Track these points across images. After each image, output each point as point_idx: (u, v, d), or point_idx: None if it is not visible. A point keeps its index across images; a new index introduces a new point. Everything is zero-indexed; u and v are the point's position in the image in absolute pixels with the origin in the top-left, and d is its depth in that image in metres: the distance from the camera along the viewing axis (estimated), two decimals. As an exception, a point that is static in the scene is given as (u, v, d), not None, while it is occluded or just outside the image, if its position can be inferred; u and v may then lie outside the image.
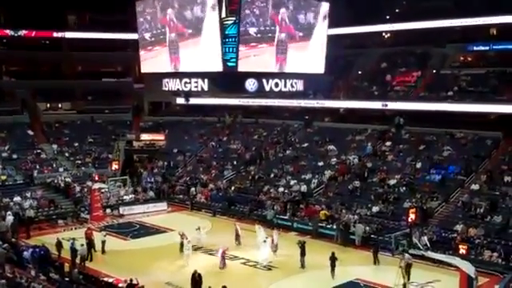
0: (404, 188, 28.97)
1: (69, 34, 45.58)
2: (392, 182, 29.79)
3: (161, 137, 43.06)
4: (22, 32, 43.92)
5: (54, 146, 40.09)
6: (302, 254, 22.21)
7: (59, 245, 23.61)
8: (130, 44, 44.39)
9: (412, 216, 25.16)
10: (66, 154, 39.83)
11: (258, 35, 19.39)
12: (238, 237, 25.53)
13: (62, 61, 47.52)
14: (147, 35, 21.81)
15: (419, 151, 32.19)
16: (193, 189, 35.06)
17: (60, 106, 46.80)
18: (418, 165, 30.72)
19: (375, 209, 27.77)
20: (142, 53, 22.58)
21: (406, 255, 20.85)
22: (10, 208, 29.97)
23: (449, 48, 37.56)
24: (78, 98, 46.73)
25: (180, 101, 41.16)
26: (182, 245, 23.57)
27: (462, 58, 37.91)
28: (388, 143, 34.15)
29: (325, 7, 21.35)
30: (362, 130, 36.63)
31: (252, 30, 19.22)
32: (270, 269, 22.23)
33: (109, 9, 42.14)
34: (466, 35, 36.88)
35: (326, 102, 38.09)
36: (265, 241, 23.00)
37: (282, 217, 29.15)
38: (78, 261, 22.45)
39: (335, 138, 36.69)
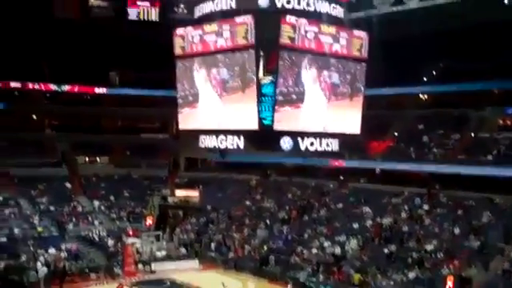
0: (441, 254, 28.05)
1: (110, 90, 46.84)
2: (429, 247, 28.89)
3: (195, 193, 43.13)
4: (66, 87, 45.37)
5: (96, 203, 40.42)
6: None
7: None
8: (169, 100, 45.26)
9: (450, 284, 24.25)
10: (102, 208, 40.15)
11: (293, 96, 19.47)
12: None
13: (103, 116, 48.69)
14: (185, 93, 22.10)
15: (457, 216, 31.33)
16: (225, 247, 34.70)
17: (98, 159, 47.59)
18: (456, 230, 29.81)
19: (411, 275, 26.86)
20: (180, 110, 22.84)
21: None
22: (44, 259, 30.10)
23: (487, 111, 37.08)
24: (116, 153, 47.49)
25: (215, 158, 41.36)
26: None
27: (501, 121, 37.35)
28: (425, 207, 33.39)
29: (362, 68, 21.38)
30: (398, 192, 36.01)
31: (288, 90, 19.30)
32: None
33: (150, 66, 43.27)
34: (505, 98, 36.43)
35: (361, 160, 37.76)
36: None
37: (314, 279, 28.45)
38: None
39: (371, 200, 36.11)
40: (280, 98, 19.03)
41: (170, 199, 42.46)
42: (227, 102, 20.16)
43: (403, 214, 33.14)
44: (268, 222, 37.31)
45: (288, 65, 19.10)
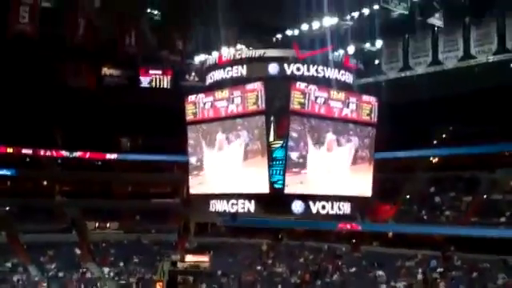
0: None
1: (121, 156, 47.33)
2: (445, 312, 28.40)
3: (205, 258, 42.68)
4: (77, 153, 45.81)
5: (105, 269, 40.08)
6: None
7: None
8: (179, 165, 45.77)
9: None
10: (111, 274, 39.82)
11: (300, 160, 19.72)
12: None
13: (113, 181, 48.84)
14: (198, 157, 22.40)
15: (472, 279, 30.86)
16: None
17: (108, 225, 47.43)
18: (472, 293, 29.38)
19: None
20: (191, 174, 23.08)
21: None
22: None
23: (498, 173, 37.06)
24: (126, 218, 47.40)
25: (225, 222, 41.25)
26: None
27: (512, 183, 37.30)
28: (440, 270, 32.95)
29: (371, 132, 21.68)
30: (411, 255, 35.62)
31: (294, 155, 19.57)
32: None
33: (160, 133, 43.89)
34: (516, 160, 36.54)
35: (373, 224, 37.62)
36: None
37: None
38: None
39: (384, 264, 35.71)
40: (292, 161, 19.24)
41: (180, 264, 41.89)
42: (237, 167, 20.40)
43: (417, 278, 32.66)
44: (280, 287, 36.78)
45: (302, 129, 19.46)
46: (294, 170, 19.46)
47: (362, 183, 21.87)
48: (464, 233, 33.16)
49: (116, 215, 47.17)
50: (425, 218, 36.80)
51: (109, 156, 47.06)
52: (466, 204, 36.33)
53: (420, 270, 33.40)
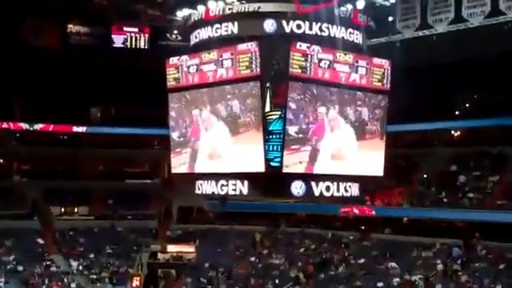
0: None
1: (90, 129, 47.32)
2: (467, 308, 28.90)
3: (190, 248, 43.04)
4: (38, 126, 45.66)
5: (73, 262, 40.14)
6: None
7: None
8: (159, 140, 45.83)
9: None
10: (80, 268, 40.01)
11: (300, 135, 19.81)
12: None
13: (81, 159, 48.82)
14: (180, 131, 22.41)
15: (499, 271, 31.30)
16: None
17: (76, 210, 47.51)
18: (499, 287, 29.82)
19: None
20: (173, 151, 23.10)
21: None
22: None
23: (530, 148, 37.44)
24: (96, 202, 47.51)
25: (214, 206, 41.43)
26: None
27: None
28: (461, 260, 33.39)
29: (383, 101, 21.75)
30: (429, 244, 36.06)
31: (293, 130, 19.64)
32: None
33: (137, 102, 43.84)
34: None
35: (385, 209, 37.96)
36: None
37: None
38: None
39: (397, 254, 36.14)
40: (291, 137, 19.33)
41: (161, 256, 42.31)
42: (227, 142, 20.46)
43: (436, 269, 33.10)
44: (277, 281, 37.24)
45: (302, 98, 19.51)
46: (292, 147, 19.56)
47: (372, 161, 22.00)
48: (490, 218, 33.49)
49: (85, 198, 47.27)
50: (445, 200, 37.08)
51: (76, 129, 46.99)
52: (492, 184, 36.65)
53: (439, 261, 33.80)
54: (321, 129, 20.26)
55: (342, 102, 20.62)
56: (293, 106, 19.27)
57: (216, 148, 21.03)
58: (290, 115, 19.25)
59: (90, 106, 49.42)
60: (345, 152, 21.17)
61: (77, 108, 47.18)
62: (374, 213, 38.41)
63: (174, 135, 22.67)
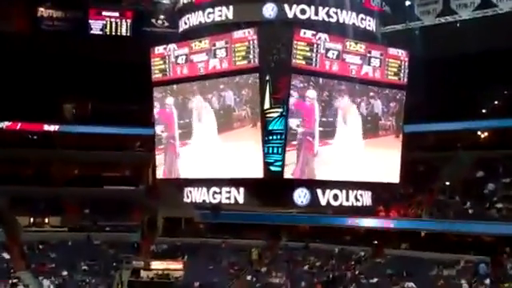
0: None
1: (64, 128, 47.27)
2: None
3: (178, 265, 43.03)
4: (4, 124, 45.63)
5: (44, 281, 40.00)
6: None
7: None
8: (143, 142, 45.83)
9: None
10: (51, 287, 39.95)
11: (314, 134, 19.74)
12: None
13: (53, 162, 48.82)
14: (164, 132, 22.38)
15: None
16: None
17: (47, 221, 47.49)
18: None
19: None
20: (158, 153, 23.09)
21: None
22: None
23: None
24: (70, 211, 47.49)
25: (205, 217, 41.42)
26: None
27: None
28: (488, 280, 33.44)
29: (400, 96, 21.73)
30: (452, 261, 36.10)
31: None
32: None
33: (117, 97, 43.82)
34: None
35: (401, 221, 37.97)
36: None
37: None
38: None
39: (415, 272, 36.19)
40: (292, 129, 19.26)
41: (144, 273, 42.33)
42: (220, 142, 20.43)
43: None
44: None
45: (306, 86, 19.44)
46: (293, 142, 19.51)
47: (386, 165, 21.95)
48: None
49: (57, 207, 47.27)
50: (470, 211, 37.14)
51: (47, 127, 47.00)
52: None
53: (463, 281, 33.84)
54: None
55: (352, 93, 20.57)
56: (295, 94, 19.20)
57: (206, 147, 20.97)
58: (292, 106, 19.15)
59: (63, 101, 49.38)
60: (355, 153, 21.11)
61: (48, 104, 47.07)
62: (388, 225, 38.41)
63: (160, 134, 22.62)
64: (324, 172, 20.25)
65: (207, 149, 20.94)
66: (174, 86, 21.63)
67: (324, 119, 19.77)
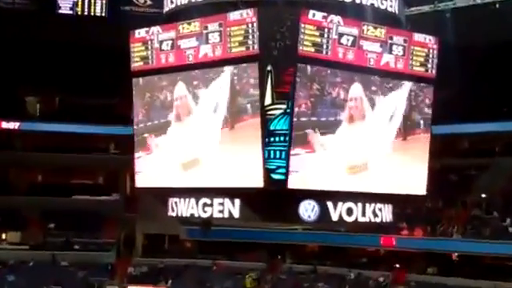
0: None
1: (25, 126, 47.29)
2: None
3: (160, 291, 43.13)
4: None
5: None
6: None
7: None
8: (119, 143, 45.82)
9: None
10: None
11: (325, 134, 19.74)
12: None
13: (12, 166, 48.84)
14: (144, 131, 22.40)
15: None
16: None
17: (4, 236, 47.54)
18: None
19: None
20: (137, 156, 23.13)
21: None
22: None
23: None
24: (32, 226, 47.49)
25: (193, 234, 41.44)
26: None
27: None
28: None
29: (427, 91, 21.76)
30: (488, 288, 36.27)
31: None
32: None
33: (90, 90, 43.86)
34: None
35: (428, 241, 37.98)
36: None
37: None
38: None
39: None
40: (304, 138, 19.27)
41: (120, 301, 42.42)
42: (212, 144, 20.45)
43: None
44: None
45: (315, 85, 19.48)
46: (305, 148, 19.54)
47: (411, 173, 22.00)
48: None
49: (16, 221, 47.25)
50: (510, 230, 37.15)
51: (6, 125, 47.01)
52: None
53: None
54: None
55: (366, 82, 20.55)
56: (306, 94, 19.22)
57: (194, 150, 20.99)
58: (301, 107, 19.12)
59: (25, 94, 49.37)
60: (372, 157, 21.12)
61: (7, 97, 47.10)
62: (412, 246, 38.36)
63: (140, 133, 22.62)
64: (335, 181, 20.30)
65: (196, 152, 20.97)
66: (157, 78, 21.68)
67: (332, 119, 19.78)
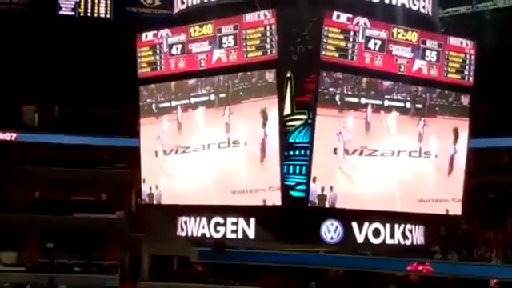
0: None
1: (23, 137, 47.42)
2: None
3: (168, 319, 43.12)
4: None
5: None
6: None
7: None
8: (125, 156, 45.89)
9: None
10: None
11: (351, 147, 19.68)
12: None
13: (8, 180, 48.98)
14: (152, 144, 22.42)
15: None
16: None
17: (-1, 257, 47.77)
18: None
19: None
20: (143, 170, 23.16)
21: None
22: None
23: None
24: (29, 246, 47.60)
25: (205, 256, 41.44)
26: None
27: None
28: None
29: (464, 100, 21.68)
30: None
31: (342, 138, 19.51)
32: None
33: (92, 98, 43.99)
34: None
35: (465, 266, 37.83)
36: None
37: None
38: None
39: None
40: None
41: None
42: (227, 158, 20.43)
43: None
44: None
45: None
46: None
47: (446, 191, 21.91)
48: None
49: (13, 240, 47.37)
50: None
51: (2, 136, 47.18)
52: None
53: None
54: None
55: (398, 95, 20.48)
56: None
57: (206, 164, 20.98)
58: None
59: (22, 103, 49.56)
60: (402, 174, 21.03)
61: (3, 106, 47.29)
62: (446, 271, 38.22)
63: (146, 146, 22.66)
64: (361, 199, 20.22)
65: (208, 166, 20.94)
66: (167, 85, 21.69)
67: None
